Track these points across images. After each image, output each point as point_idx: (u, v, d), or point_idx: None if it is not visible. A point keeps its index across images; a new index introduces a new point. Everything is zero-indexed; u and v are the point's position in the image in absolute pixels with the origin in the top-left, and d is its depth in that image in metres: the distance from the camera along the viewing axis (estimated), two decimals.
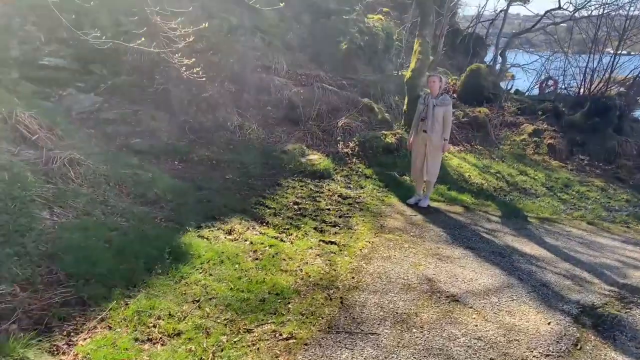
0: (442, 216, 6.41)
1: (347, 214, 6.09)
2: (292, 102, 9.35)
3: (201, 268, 4.03)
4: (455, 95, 12.70)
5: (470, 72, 12.25)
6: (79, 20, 9.70)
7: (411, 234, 5.61)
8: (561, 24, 16.58)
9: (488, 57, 21.39)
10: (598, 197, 8.29)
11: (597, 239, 6.20)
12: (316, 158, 7.81)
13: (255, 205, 5.90)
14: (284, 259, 4.49)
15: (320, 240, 5.11)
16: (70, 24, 9.56)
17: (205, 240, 4.63)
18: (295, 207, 6.09)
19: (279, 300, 3.73)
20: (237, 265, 4.19)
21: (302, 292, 3.92)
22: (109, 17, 9.95)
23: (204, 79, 7.91)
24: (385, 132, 8.53)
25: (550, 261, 5.17)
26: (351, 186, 7.32)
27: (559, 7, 15.60)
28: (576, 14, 14.98)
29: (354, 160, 8.29)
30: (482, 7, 54.76)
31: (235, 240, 4.77)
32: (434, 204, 6.84)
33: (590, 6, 16.43)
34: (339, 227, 5.60)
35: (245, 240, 4.79)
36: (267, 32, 11.99)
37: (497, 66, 17.06)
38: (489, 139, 10.59)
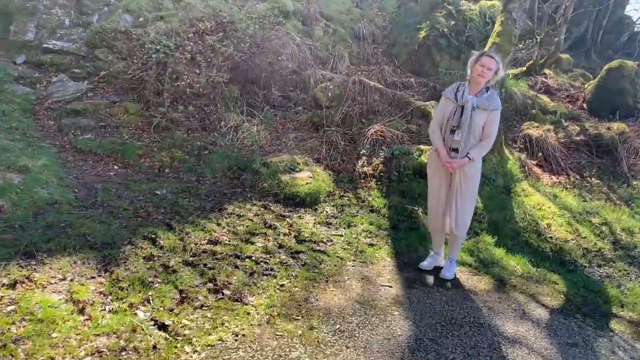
0: (439, 295, 3.73)
1: (272, 270, 3.82)
2: (317, 100, 7.20)
3: None
4: (584, 105, 9.10)
5: (607, 73, 8.55)
6: (111, 4, 8.93)
7: (338, 326, 3.15)
8: None
9: None
10: None
11: None
12: (305, 177, 5.59)
13: (137, 241, 4.00)
14: (12, 356, 2.52)
15: (151, 320, 3.01)
16: (94, 6, 8.76)
17: None
18: (202, 247, 4.04)
19: None
20: None
21: None
22: (150, 1, 9.01)
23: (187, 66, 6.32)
24: (423, 147, 5.89)
25: None
26: (334, 223, 4.95)
27: None
28: None
29: (370, 183, 5.84)
30: None
31: None
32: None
33: None
34: (222, 294, 3.40)
35: (14, 304, 2.93)
36: (334, 19, 10.00)
37: None
38: (616, 169, 7.03)
